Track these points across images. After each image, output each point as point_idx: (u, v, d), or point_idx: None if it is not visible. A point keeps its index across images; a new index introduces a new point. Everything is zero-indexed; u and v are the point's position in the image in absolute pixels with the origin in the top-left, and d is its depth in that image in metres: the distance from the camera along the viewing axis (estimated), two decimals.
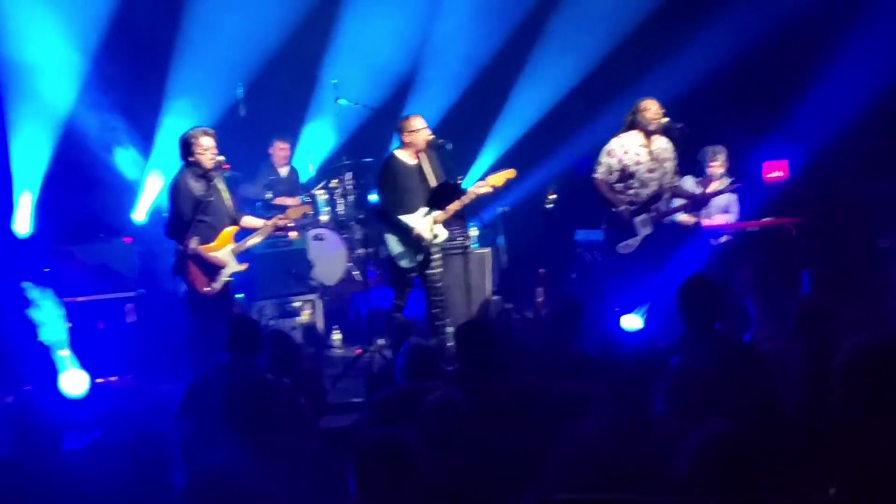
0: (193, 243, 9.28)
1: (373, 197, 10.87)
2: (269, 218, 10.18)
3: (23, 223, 12.03)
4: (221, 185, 9.51)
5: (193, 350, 9.40)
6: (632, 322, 8.74)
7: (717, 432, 3.81)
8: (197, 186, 9.32)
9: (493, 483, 4.63)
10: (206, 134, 9.41)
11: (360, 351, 10.30)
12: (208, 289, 9.36)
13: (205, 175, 9.35)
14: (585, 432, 5.04)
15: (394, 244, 9.86)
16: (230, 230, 9.50)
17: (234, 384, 5.70)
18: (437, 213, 9.77)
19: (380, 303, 10.64)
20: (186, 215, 9.29)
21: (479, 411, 5.47)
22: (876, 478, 3.94)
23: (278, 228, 10.22)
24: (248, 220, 9.82)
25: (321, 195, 12.55)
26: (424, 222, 9.75)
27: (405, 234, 9.79)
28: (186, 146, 9.37)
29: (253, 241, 9.75)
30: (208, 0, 12.63)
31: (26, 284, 10.39)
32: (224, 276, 9.43)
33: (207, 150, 9.32)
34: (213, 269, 9.37)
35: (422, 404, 5.35)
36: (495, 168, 11.07)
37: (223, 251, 9.42)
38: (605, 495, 4.23)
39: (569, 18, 13.13)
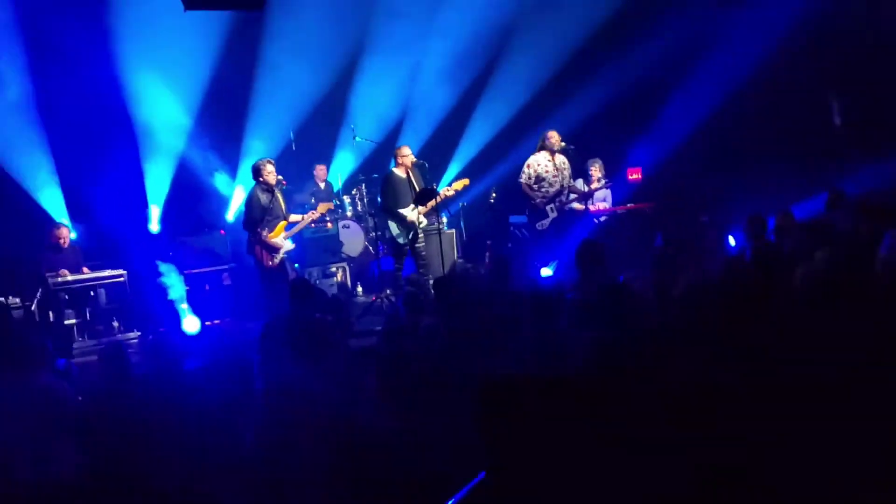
0: (262, 233, 9.30)
1: (379, 199, 10.80)
2: (304, 214, 10.18)
3: (154, 224, 11.99)
4: (279, 195, 9.55)
5: (265, 302, 9.39)
6: (546, 272, 8.76)
7: (598, 336, 3.82)
8: (263, 197, 9.35)
9: (462, 372, 4.61)
10: (269, 163, 9.48)
11: (374, 298, 10.26)
12: (271, 262, 9.38)
13: (268, 189, 9.35)
14: (518, 340, 5.08)
15: (394, 228, 9.89)
16: (283, 224, 9.52)
17: (297, 322, 5.68)
18: (421, 208, 9.82)
19: (386, 267, 10.61)
20: (256, 216, 9.30)
21: (451, 331, 5.48)
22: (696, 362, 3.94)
23: (312, 220, 10.20)
24: (294, 217, 9.81)
25: (347, 199, 12.49)
26: (413, 213, 9.79)
27: (401, 221, 9.80)
28: (256, 171, 9.44)
29: (296, 229, 9.82)
30: (269, 74, 12.50)
31: (158, 262, 10.36)
32: (280, 254, 9.44)
33: (270, 173, 9.38)
34: (273, 249, 9.40)
35: (420, 329, 5.35)
36: (457, 178, 11.01)
37: (279, 238, 9.42)
38: (539, 375, 4.22)
39: (502, 77, 13.04)
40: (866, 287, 4.06)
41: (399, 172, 9.93)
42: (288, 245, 9.56)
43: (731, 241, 9.27)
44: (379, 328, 7.96)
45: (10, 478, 4.56)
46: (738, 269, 5.39)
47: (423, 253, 10.08)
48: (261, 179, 9.38)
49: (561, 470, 2.21)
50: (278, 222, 9.49)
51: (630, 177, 11.24)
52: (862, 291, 4.08)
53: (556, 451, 2.22)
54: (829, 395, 2.61)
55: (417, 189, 9.84)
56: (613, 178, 11.23)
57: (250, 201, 9.45)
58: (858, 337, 3.76)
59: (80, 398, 5.21)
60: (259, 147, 12.45)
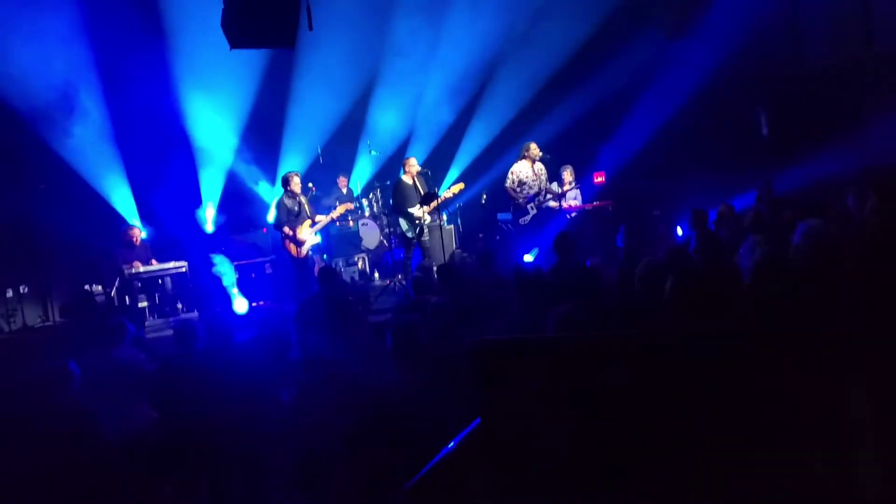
0: (288, 230, 9.33)
1: (391, 201, 10.80)
2: (327, 214, 10.17)
3: (209, 224, 11.99)
4: (303, 200, 9.63)
5: (295, 287, 9.47)
6: (528, 258, 8.77)
7: (566, 309, 3.82)
8: (289, 202, 9.44)
9: (461, 342, 4.62)
10: (295, 175, 9.65)
11: (388, 282, 10.25)
12: (299, 254, 9.43)
13: (293, 196, 9.40)
14: (505, 317, 5.09)
15: (403, 224, 9.89)
16: (308, 222, 9.55)
17: (325, 300, 5.69)
18: (425, 208, 9.79)
19: (398, 256, 10.61)
20: (283, 217, 9.42)
21: (452, 308, 5.49)
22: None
23: (334, 219, 10.17)
24: (319, 217, 9.82)
25: (365, 202, 12.48)
26: (419, 212, 9.77)
27: (409, 218, 9.80)
28: (285, 181, 9.60)
29: (320, 226, 9.79)
30: (300, 100, 12.50)
31: (213, 255, 10.38)
32: (307, 247, 9.48)
33: (296, 184, 9.56)
34: (299, 243, 9.42)
35: (426, 306, 5.36)
36: (455, 182, 11.00)
37: (304, 233, 9.47)
38: (524, 336, 4.22)
39: (491, 99, 13.02)
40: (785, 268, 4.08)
41: (406, 179, 9.95)
42: (314, 239, 9.62)
43: (679, 230, 9.27)
44: (393, 306, 8.01)
45: (98, 432, 4.59)
46: (682, 253, 5.39)
47: (428, 245, 10.11)
48: (288, 188, 9.51)
49: (540, 417, 2.23)
50: (303, 221, 9.53)
51: (596, 179, 11.22)
52: (782, 272, 4.11)
53: (536, 401, 2.23)
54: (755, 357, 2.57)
55: (422, 192, 9.86)
56: (582, 180, 11.21)
57: (278, 206, 9.60)
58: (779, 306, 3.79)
59: (152, 368, 5.24)
60: (293, 160, 12.45)
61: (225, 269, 10.21)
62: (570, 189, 10.90)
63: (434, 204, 9.80)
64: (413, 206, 9.82)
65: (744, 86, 11.55)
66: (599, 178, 11.20)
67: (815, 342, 2.23)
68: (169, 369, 4.91)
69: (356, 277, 11.46)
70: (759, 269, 3.84)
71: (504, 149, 12.31)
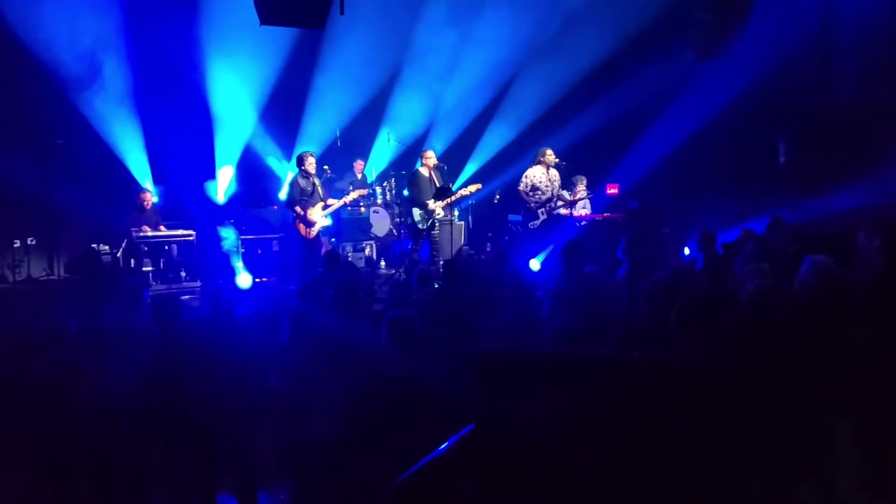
0: (299, 210, 9.33)
1: (405, 192, 10.79)
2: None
3: (221, 195, 12.01)
4: (317, 181, 9.61)
5: (302, 267, 9.42)
6: (534, 264, 8.79)
7: (566, 321, 3.82)
8: (303, 182, 9.41)
9: (457, 338, 4.64)
10: (310, 155, 9.60)
11: (394, 271, 10.26)
12: (308, 235, 9.41)
13: (307, 176, 9.40)
14: (503, 316, 5.11)
15: (416, 215, 9.91)
16: (320, 204, 9.55)
17: (330, 282, 5.68)
18: (439, 202, 9.81)
19: (406, 247, 10.63)
20: (296, 196, 9.37)
21: (454, 303, 5.51)
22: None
23: (346, 203, 10.11)
24: (331, 200, 9.80)
25: (378, 189, 12.50)
26: (433, 205, 9.79)
27: (424, 210, 9.81)
28: (300, 160, 9.56)
29: (332, 209, 9.72)
30: (324, 82, 12.52)
31: (221, 227, 10.43)
32: (316, 228, 9.47)
33: (311, 164, 9.48)
34: (309, 223, 9.41)
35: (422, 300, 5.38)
36: (471, 181, 11.01)
37: (316, 215, 9.44)
38: (518, 347, 4.22)
39: (512, 103, 13.06)
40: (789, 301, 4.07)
41: (423, 171, 9.97)
42: (324, 221, 9.61)
43: (686, 250, 9.27)
44: (387, 297, 8.01)
45: (87, 391, 4.64)
46: (690, 274, 5.39)
47: (437, 238, 10.10)
48: (302, 168, 9.46)
49: (533, 429, 2.23)
50: (316, 203, 9.51)
51: (608, 191, 11.22)
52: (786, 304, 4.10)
53: (530, 413, 2.23)
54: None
55: (437, 186, 9.88)
56: (594, 191, 11.21)
57: (291, 185, 9.57)
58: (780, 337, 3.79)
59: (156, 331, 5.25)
60: (310, 140, 12.47)
61: (229, 236, 10.26)
62: (582, 198, 10.91)
63: (448, 200, 9.83)
64: (427, 198, 9.84)
65: (767, 114, 11.55)
66: (612, 190, 11.20)
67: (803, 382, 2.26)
68: (173, 337, 4.93)
69: (362, 264, 11.47)
70: (756, 299, 3.84)
71: (521, 151, 12.30)
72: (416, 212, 9.93)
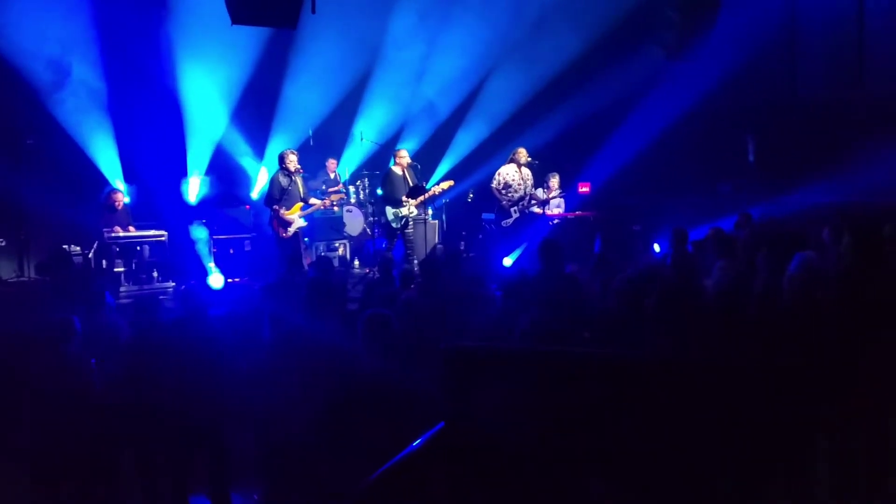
0: (278, 209, 9.33)
1: (379, 191, 10.77)
2: (321, 199, 10.18)
3: (192, 195, 11.90)
4: (298, 180, 9.52)
5: (276, 266, 9.36)
6: (507, 261, 8.84)
7: (538, 315, 3.84)
8: (283, 180, 9.35)
9: (432, 339, 4.65)
10: (292, 153, 9.53)
11: (368, 270, 10.27)
12: (285, 235, 9.35)
13: (288, 174, 9.34)
14: (483, 314, 5.14)
15: (389, 214, 9.90)
16: (300, 204, 9.49)
17: (306, 283, 5.64)
18: (413, 201, 9.82)
19: (379, 246, 10.60)
20: (275, 194, 9.31)
21: (429, 303, 5.51)
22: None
23: (325, 206, 10.13)
24: (312, 200, 9.79)
25: (352, 189, 12.45)
26: (406, 204, 9.79)
27: (397, 209, 9.82)
28: (281, 158, 9.48)
29: (311, 210, 9.73)
30: (296, 81, 12.44)
31: (193, 227, 10.35)
32: (293, 229, 9.40)
33: (291, 161, 9.42)
34: (286, 224, 9.36)
35: (398, 299, 5.38)
36: (444, 179, 11.00)
37: (293, 215, 9.39)
38: (494, 343, 4.23)
39: (485, 101, 13.09)
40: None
41: (397, 170, 9.97)
42: (300, 222, 9.55)
43: (657, 247, 9.36)
44: (360, 296, 8.00)
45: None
46: (661, 269, 5.44)
47: (411, 237, 10.11)
48: (283, 165, 9.39)
49: (505, 425, 2.24)
50: (295, 202, 9.46)
51: (580, 189, 11.30)
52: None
53: (502, 410, 2.24)
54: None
55: (411, 184, 9.88)
56: (567, 189, 11.28)
57: (272, 182, 9.49)
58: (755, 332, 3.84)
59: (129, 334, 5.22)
60: (283, 140, 12.39)
61: (204, 243, 10.19)
62: (555, 196, 10.97)
63: (422, 198, 9.83)
64: (401, 197, 9.84)
65: (735, 112, 11.70)
66: (584, 189, 11.28)
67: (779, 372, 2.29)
68: (144, 337, 4.90)
69: (336, 263, 11.43)
70: (722, 293, 3.91)
71: (494, 150, 12.36)
72: (390, 210, 9.93)
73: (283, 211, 9.35)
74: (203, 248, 10.12)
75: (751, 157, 12.13)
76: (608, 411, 2.30)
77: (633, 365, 2.28)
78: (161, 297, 8.79)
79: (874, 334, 3.31)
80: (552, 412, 2.29)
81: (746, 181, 11.54)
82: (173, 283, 9.88)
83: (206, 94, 11.87)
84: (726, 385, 2.30)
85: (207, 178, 12.03)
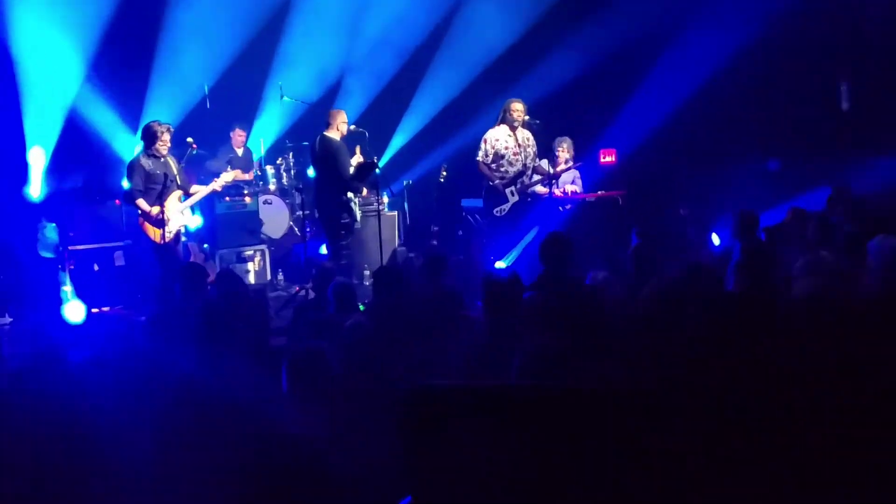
0: (143, 204, 9.27)
1: (310, 171, 10.79)
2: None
3: (35, 189, 11.80)
4: (170, 161, 9.51)
5: (157, 285, 9.37)
6: (500, 265, 8.90)
7: (542, 344, 3.87)
8: (149, 164, 9.30)
9: (389, 382, 4.68)
10: (167, 131, 9.45)
11: (298, 289, 10.23)
12: (160, 239, 9.27)
13: (157, 157, 9.34)
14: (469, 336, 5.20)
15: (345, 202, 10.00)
16: (177, 194, 9.45)
17: (205, 309, 5.66)
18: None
19: (313, 252, 10.60)
20: (139, 185, 9.27)
21: (386, 331, 5.55)
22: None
23: (216, 191, 10.14)
24: (194, 188, 9.77)
25: (270, 170, 12.45)
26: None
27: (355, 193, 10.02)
28: (151, 136, 9.37)
29: (192, 201, 9.69)
30: (183, 15, 12.41)
31: (37, 235, 10.29)
32: (172, 228, 9.37)
33: (164, 143, 9.36)
34: (161, 223, 9.27)
35: (341, 328, 5.41)
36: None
37: (171, 210, 9.36)
38: (475, 382, 4.25)
39: (458, 36, 13.14)
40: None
41: (337, 138, 9.98)
42: (186, 219, 9.51)
43: (716, 238, 9.43)
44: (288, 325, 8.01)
45: None
46: (706, 272, 5.42)
47: (360, 238, 10.17)
48: (151, 146, 9.32)
49: (489, 494, 2.27)
50: (169, 192, 9.37)
51: (602, 159, 11.31)
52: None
53: (486, 473, 2.27)
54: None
55: (360, 161, 9.95)
56: (583, 159, 11.30)
57: (131, 167, 9.35)
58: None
59: None
60: (166, 104, 12.34)
61: (53, 256, 10.15)
62: (567, 170, 10.99)
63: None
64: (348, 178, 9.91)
65: (821, 48, 11.75)
66: (608, 158, 11.29)
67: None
68: None
69: (251, 279, 11.41)
70: (810, 306, 3.96)
71: (475, 108, 12.39)
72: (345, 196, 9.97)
73: (148, 206, 9.25)
74: (53, 263, 10.05)
75: (844, 105, 12.25)
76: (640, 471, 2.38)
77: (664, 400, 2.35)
78: None
79: None
80: (560, 478, 2.34)
81: (831, 142, 11.63)
82: (10, 319, 9.80)
83: (51, 44, 11.76)
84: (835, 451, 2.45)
85: (55, 154, 11.92)
